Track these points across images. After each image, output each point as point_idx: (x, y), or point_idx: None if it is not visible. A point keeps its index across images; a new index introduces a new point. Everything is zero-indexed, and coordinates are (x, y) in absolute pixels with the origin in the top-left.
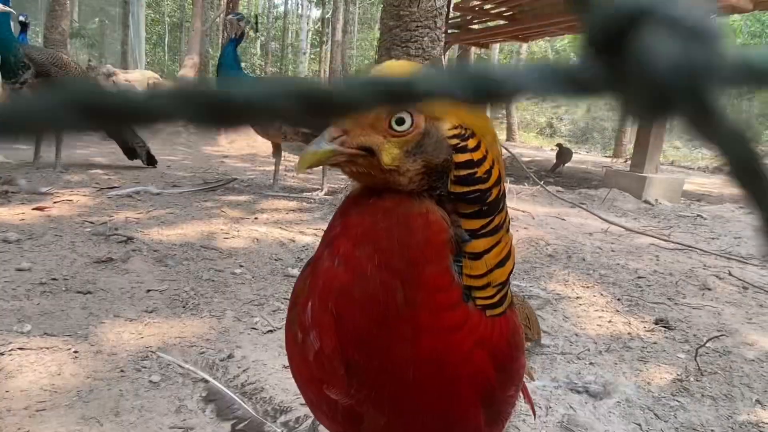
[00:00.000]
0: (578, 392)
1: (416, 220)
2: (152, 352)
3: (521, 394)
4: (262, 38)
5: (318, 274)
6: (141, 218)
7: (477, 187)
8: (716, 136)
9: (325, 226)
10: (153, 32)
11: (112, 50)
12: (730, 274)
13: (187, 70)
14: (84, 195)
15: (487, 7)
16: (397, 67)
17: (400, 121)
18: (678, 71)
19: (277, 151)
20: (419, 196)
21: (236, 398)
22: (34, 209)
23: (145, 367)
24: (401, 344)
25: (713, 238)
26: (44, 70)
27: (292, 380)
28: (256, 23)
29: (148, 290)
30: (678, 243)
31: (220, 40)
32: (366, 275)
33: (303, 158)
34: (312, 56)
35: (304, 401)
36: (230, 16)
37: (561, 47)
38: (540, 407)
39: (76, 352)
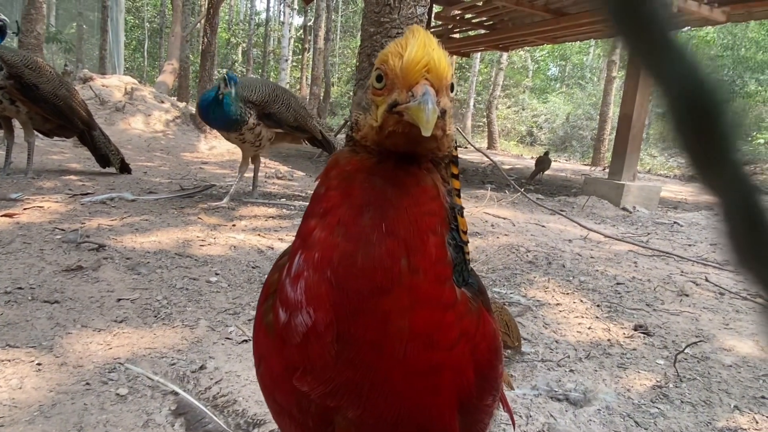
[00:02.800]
0: (558, 400)
1: (426, 191)
2: (120, 363)
3: (500, 404)
4: (244, 45)
5: (312, 247)
6: (114, 225)
7: (458, 151)
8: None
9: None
10: (132, 38)
11: (90, 55)
12: (706, 280)
13: (167, 76)
14: (56, 201)
15: (468, 16)
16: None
17: (452, 87)
18: None
19: (255, 157)
20: (433, 165)
21: (207, 411)
22: (2, 216)
23: (112, 380)
24: (399, 315)
25: (690, 245)
26: (17, 72)
27: None
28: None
29: (119, 299)
30: (656, 250)
31: (200, 46)
32: (371, 242)
33: (430, 119)
34: (294, 63)
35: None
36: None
37: (540, 57)
38: (520, 416)
39: (39, 364)
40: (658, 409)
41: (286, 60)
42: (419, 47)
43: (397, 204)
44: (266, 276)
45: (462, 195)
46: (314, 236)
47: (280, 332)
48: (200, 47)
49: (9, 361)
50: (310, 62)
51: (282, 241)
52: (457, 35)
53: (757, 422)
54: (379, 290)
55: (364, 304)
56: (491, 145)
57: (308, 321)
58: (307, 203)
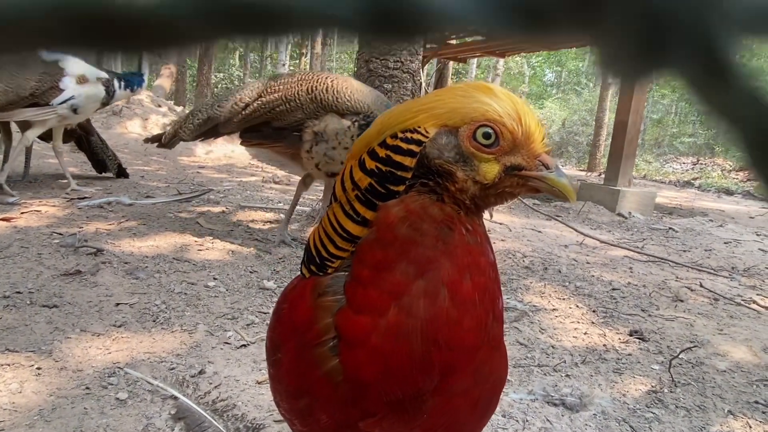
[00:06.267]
0: (555, 405)
1: (488, 238)
2: (120, 368)
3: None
4: (241, 49)
5: (411, 312)
6: (112, 229)
7: None
8: (726, 99)
9: (301, 237)
10: None
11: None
12: (701, 285)
13: (164, 80)
14: (53, 205)
15: None
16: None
17: None
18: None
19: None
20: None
21: (206, 416)
22: (0, 220)
23: (111, 384)
24: (484, 364)
25: (684, 251)
26: None
27: (265, 397)
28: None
29: (117, 304)
30: (651, 255)
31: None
32: (475, 304)
33: (573, 191)
34: (291, 68)
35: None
36: None
37: (536, 62)
38: (517, 421)
39: (39, 368)
40: (653, 413)
41: (284, 65)
42: (534, 116)
43: (485, 263)
44: (264, 281)
45: None
46: (412, 296)
47: (356, 384)
48: (198, 50)
49: (9, 365)
50: (308, 67)
51: (280, 246)
52: (453, 41)
53: (750, 427)
54: (475, 348)
55: (461, 362)
56: None
57: (405, 389)
58: (306, 208)
